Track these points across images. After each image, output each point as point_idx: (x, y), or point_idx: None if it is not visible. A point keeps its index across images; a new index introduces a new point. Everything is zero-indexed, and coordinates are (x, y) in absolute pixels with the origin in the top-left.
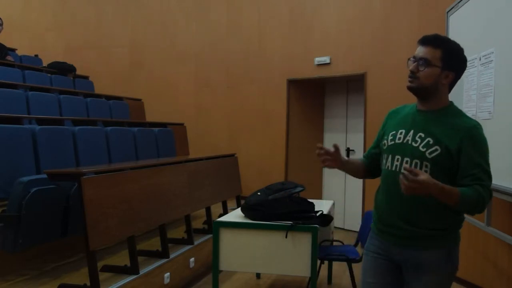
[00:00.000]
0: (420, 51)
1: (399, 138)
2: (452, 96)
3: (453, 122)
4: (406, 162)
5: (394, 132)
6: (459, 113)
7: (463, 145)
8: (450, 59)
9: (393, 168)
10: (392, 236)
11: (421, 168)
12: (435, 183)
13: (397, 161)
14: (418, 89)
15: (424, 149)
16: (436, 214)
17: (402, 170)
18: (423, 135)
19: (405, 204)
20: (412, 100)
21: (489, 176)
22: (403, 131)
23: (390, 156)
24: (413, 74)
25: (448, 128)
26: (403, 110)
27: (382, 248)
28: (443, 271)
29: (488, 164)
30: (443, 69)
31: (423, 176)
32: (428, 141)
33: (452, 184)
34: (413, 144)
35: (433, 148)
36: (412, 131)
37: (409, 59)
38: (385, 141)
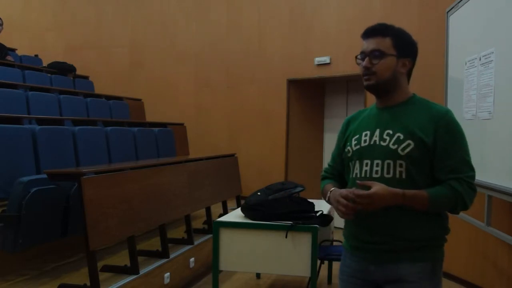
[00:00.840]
0: (369, 44)
1: (365, 141)
2: (452, 96)
3: (423, 112)
4: (377, 165)
5: (357, 136)
6: (427, 102)
7: (438, 134)
8: (403, 45)
9: (363, 175)
10: (369, 252)
11: (395, 170)
12: (391, 192)
13: (366, 165)
14: (378, 85)
15: (395, 146)
16: (418, 221)
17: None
18: (391, 132)
19: (383, 214)
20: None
21: (469, 167)
22: (368, 132)
23: (357, 162)
24: (368, 71)
25: (419, 119)
26: (361, 114)
27: (357, 269)
28: (425, 286)
29: (467, 153)
30: (398, 57)
31: (375, 188)
32: (398, 136)
33: (434, 183)
34: (382, 143)
35: (405, 143)
36: (378, 130)
37: (356, 57)
38: (349, 148)
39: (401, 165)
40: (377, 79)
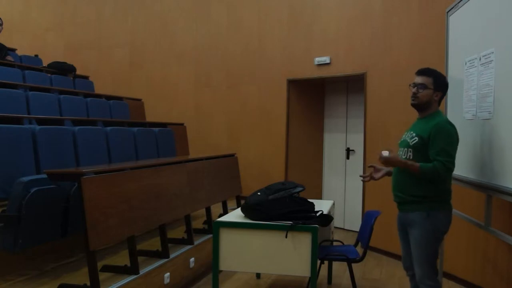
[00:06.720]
0: (418, 79)
1: (402, 137)
2: (452, 96)
3: (429, 121)
4: (401, 150)
5: (404, 134)
6: (437, 115)
7: (431, 135)
8: (438, 83)
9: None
10: (397, 203)
11: (406, 153)
12: (398, 159)
13: (399, 150)
14: (418, 105)
15: (409, 140)
16: (415, 183)
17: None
18: (412, 132)
19: (398, 177)
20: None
21: (447, 155)
22: (406, 132)
23: (399, 148)
24: (414, 95)
25: (425, 125)
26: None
27: (398, 216)
28: (424, 227)
29: (447, 147)
30: (435, 90)
31: (391, 155)
32: (412, 134)
33: (428, 161)
34: (406, 138)
35: (414, 139)
36: (410, 131)
37: (410, 85)
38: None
39: (410, 151)
40: (418, 101)
